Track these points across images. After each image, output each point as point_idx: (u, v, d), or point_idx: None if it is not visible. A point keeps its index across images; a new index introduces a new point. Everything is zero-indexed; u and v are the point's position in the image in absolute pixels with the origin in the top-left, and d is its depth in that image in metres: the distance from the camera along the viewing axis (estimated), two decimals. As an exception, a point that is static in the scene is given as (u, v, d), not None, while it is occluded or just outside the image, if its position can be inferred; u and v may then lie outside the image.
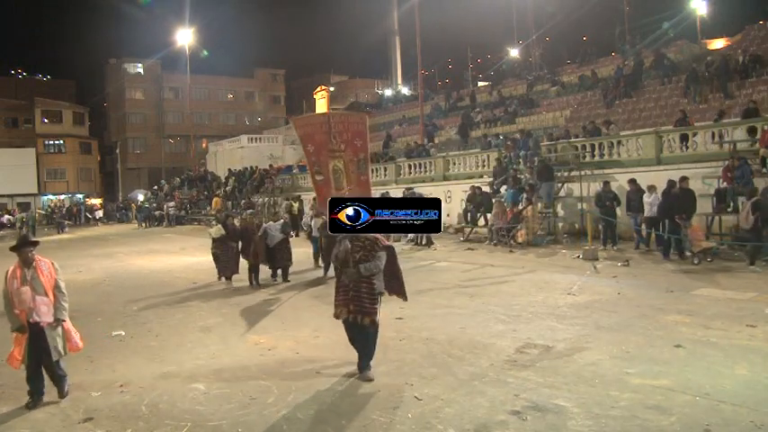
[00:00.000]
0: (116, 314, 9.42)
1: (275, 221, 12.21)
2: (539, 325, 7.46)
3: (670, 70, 23.29)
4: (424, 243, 17.02)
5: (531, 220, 15.66)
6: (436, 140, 28.42)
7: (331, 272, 10.79)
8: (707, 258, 11.58)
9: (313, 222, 12.99)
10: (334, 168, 5.39)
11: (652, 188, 13.31)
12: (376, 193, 19.25)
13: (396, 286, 5.78)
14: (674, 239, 12.11)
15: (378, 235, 5.49)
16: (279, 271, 12.00)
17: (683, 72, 22.44)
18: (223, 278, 12.12)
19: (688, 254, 11.95)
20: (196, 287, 11.82)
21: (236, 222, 12.84)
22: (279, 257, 11.80)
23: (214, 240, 12.18)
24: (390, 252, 5.55)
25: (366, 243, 5.40)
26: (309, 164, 5.55)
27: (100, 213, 44.54)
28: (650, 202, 13.16)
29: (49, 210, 44.75)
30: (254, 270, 11.69)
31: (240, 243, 11.98)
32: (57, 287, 5.36)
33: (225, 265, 12.03)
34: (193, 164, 46.47)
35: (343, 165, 5.40)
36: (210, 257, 12.65)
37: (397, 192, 20.42)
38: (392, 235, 19.04)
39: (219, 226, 12.32)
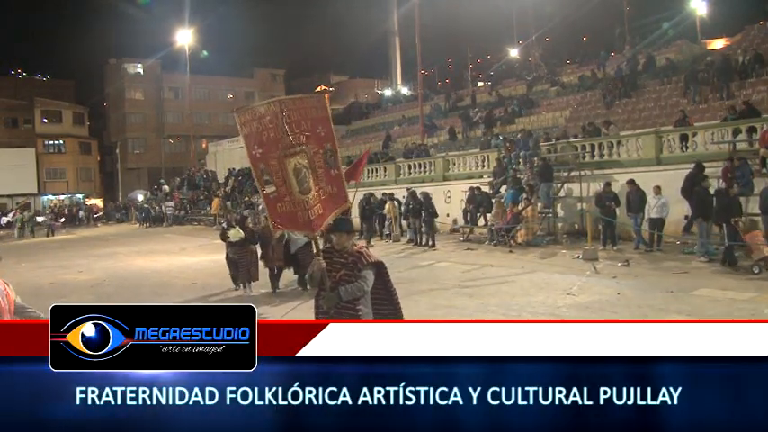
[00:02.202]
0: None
1: None
2: (538, 325, 7.44)
3: (670, 71, 23.30)
4: (424, 243, 17.03)
5: (531, 220, 15.67)
6: (435, 140, 28.45)
7: None
8: None
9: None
10: (295, 168, 3.89)
11: (657, 189, 13.33)
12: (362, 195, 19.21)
13: (388, 312, 4.52)
14: (705, 243, 11.53)
15: (363, 248, 4.58)
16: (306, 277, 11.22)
17: (682, 72, 22.46)
18: (240, 285, 11.09)
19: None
20: (208, 295, 11.28)
21: (251, 223, 11.81)
22: (302, 263, 10.78)
23: (232, 244, 11.07)
24: (380, 269, 4.45)
25: (348, 259, 4.37)
26: (256, 173, 4.65)
27: (101, 214, 44.51)
28: (657, 204, 13.19)
29: (48, 210, 44.71)
30: (276, 275, 11.08)
31: (259, 247, 11.11)
32: (17, 312, 4.42)
33: (245, 271, 10.94)
34: (193, 164, 46.50)
35: (307, 161, 4.49)
36: (208, 259, 11.97)
37: (396, 191, 20.49)
38: (392, 234, 19.19)
39: (237, 228, 11.20)
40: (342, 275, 4.32)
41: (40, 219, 32.95)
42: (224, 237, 11.42)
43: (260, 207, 27.08)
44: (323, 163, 4.62)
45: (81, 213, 43.12)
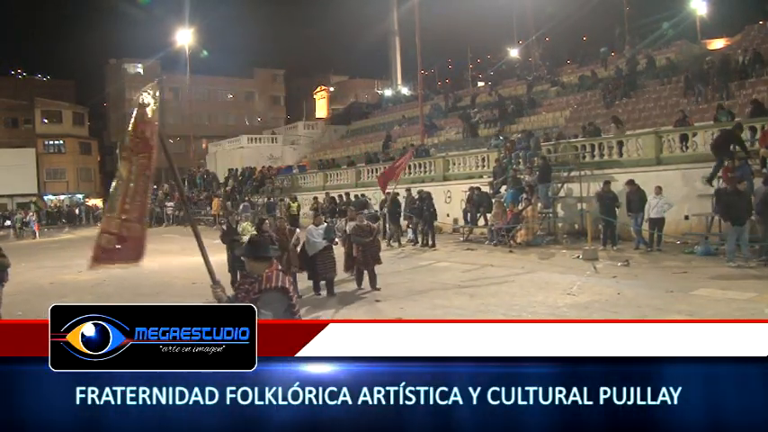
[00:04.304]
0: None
1: (316, 225, 10.40)
2: (538, 325, 7.44)
3: (670, 71, 23.31)
4: (424, 243, 17.03)
5: (531, 220, 15.67)
6: (436, 140, 28.45)
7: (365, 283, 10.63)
8: None
9: (347, 226, 11.50)
10: (115, 178, 3.72)
11: (659, 189, 13.33)
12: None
13: None
14: (734, 249, 11.11)
15: (276, 265, 3.84)
16: (322, 283, 10.38)
17: (682, 72, 22.47)
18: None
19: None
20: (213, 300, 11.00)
21: (270, 228, 10.42)
22: (321, 268, 10.14)
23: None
24: (279, 298, 3.66)
25: (253, 285, 3.71)
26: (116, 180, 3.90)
27: (99, 212, 44.42)
28: (657, 204, 13.19)
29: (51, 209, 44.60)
30: (292, 282, 10.05)
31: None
32: None
33: None
34: (193, 164, 46.48)
35: (127, 171, 3.56)
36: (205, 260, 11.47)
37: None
38: (392, 234, 19.12)
39: (253, 231, 10.32)
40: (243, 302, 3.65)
41: (15, 216, 32.67)
42: (230, 241, 10.45)
43: (259, 207, 27.14)
44: (143, 187, 3.57)
45: (82, 213, 43.09)
